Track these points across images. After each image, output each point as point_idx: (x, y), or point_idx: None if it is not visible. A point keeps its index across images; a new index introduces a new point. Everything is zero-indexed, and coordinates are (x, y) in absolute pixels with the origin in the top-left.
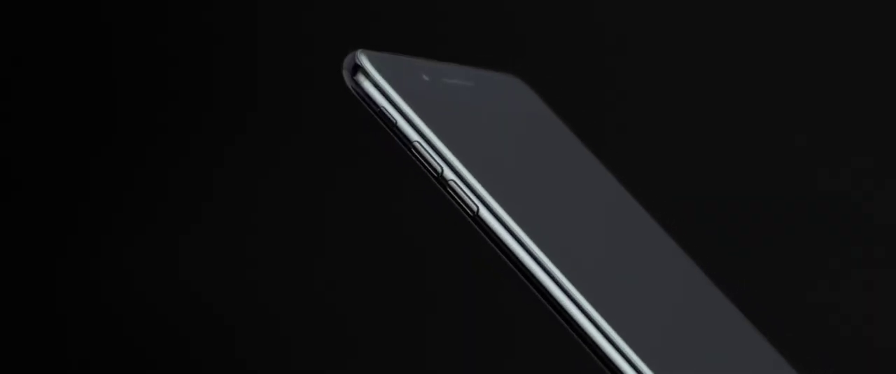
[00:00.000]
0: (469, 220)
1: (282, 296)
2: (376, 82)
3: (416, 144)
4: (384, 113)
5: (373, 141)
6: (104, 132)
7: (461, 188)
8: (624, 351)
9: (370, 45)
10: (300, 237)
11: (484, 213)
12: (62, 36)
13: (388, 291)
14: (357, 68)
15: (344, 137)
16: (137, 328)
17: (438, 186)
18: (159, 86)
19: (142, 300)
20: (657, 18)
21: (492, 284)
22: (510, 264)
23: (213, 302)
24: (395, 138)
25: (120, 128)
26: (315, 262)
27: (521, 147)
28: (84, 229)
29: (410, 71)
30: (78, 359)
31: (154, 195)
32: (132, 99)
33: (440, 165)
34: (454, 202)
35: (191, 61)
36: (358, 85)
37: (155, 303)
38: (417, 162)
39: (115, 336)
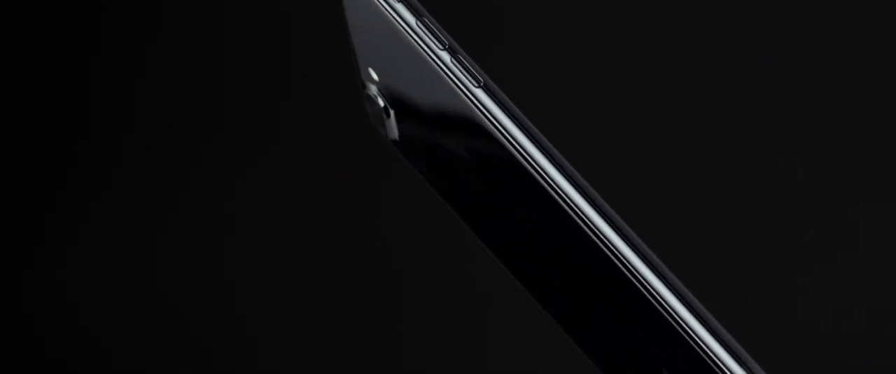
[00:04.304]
0: (468, 98)
1: (260, 308)
2: None
3: (425, 21)
4: None
5: (351, 148)
6: (78, 135)
7: (469, 60)
8: (607, 213)
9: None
10: (280, 239)
11: (481, 93)
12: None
13: (367, 296)
14: None
15: (322, 144)
16: (104, 329)
17: (440, 66)
18: (136, 90)
19: (109, 301)
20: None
21: (476, 286)
22: (508, 144)
23: (181, 302)
24: (399, 22)
25: (94, 129)
26: (292, 264)
27: None
28: (52, 233)
29: None
30: (45, 359)
31: (126, 199)
32: (105, 102)
33: (446, 39)
34: (455, 78)
35: (167, 64)
36: None
37: (122, 304)
38: (418, 44)
39: (82, 338)
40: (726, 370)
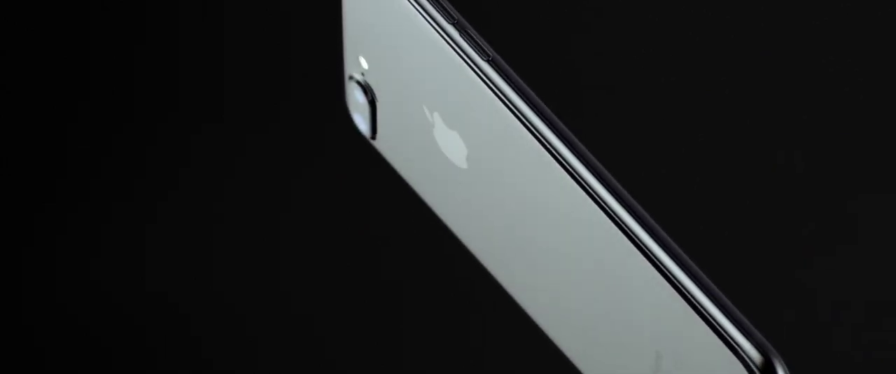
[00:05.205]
0: (476, 73)
1: (248, 299)
2: None
3: None
4: None
5: (336, 141)
6: (74, 136)
7: (477, 35)
8: (615, 188)
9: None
10: (266, 235)
11: (488, 68)
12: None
13: (355, 290)
14: None
15: (323, 143)
16: (104, 329)
17: (446, 42)
18: (127, 78)
19: (109, 301)
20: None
21: (478, 290)
22: (515, 118)
23: (181, 302)
24: (413, 2)
25: (92, 129)
26: (282, 260)
27: None
28: (51, 233)
29: None
30: (45, 359)
31: (126, 199)
32: (104, 101)
33: (454, 14)
34: (463, 53)
35: (160, 53)
36: None
37: (122, 304)
38: (425, 18)
39: (82, 338)
40: (735, 343)
